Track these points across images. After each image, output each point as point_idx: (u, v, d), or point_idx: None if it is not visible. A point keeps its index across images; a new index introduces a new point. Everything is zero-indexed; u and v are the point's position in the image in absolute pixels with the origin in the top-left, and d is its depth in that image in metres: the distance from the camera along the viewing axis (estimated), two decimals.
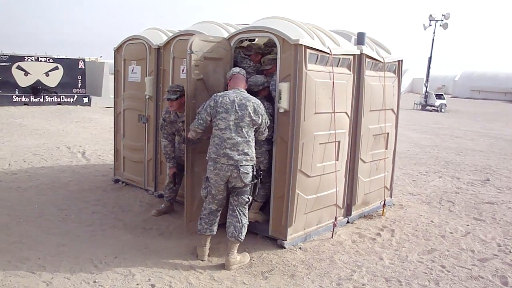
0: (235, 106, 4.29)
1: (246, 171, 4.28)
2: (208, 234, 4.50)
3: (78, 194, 6.51)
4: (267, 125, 4.54)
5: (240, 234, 4.36)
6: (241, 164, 4.25)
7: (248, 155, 4.29)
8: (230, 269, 4.33)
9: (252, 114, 4.29)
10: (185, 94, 4.72)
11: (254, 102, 4.35)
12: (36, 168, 7.95)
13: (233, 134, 4.25)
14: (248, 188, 4.36)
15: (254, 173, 4.36)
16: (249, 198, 4.41)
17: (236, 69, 4.66)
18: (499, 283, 4.33)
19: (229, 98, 4.33)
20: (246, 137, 4.29)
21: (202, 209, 4.56)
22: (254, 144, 4.39)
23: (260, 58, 5.65)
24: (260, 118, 4.36)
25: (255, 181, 4.38)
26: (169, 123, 5.46)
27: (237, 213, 4.40)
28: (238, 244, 4.43)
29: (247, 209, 4.48)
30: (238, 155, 4.24)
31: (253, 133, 4.39)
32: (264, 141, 4.89)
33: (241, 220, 4.38)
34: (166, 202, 5.81)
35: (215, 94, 4.43)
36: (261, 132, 4.50)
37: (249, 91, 4.69)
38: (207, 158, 4.40)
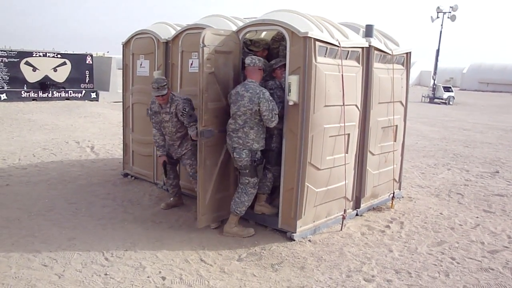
0: (237, 97, 4.73)
1: (238, 156, 4.81)
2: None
3: (87, 188, 6.56)
4: (274, 112, 4.64)
5: (237, 208, 4.90)
6: (234, 148, 4.83)
7: (240, 140, 4.77)
8: (224, 235, 4.91)
9: (247, 104, 4.66)
10: (198, 88, 4.71)
11: (252, 93, 4.65)
12: (45, 163, 8.01)
13: (232, 121, 4.82)
14: (247, 170, 4.84)
15: (252, 158, 4.81)
16: (248, 180, 4.87)
17: (247, 61, 4.82)
18: (509, 275, 4.32)
19: (235, 90, 4.82)
20: (241, 125, 4.75)
21: None
22: (255, 131, 4.76)
23: (267, 53, 5.65)
24: (255, 106, 4.63)
25: (254, 164, 4.82)
26: (154, 113, 5.49)
27: (239, 190, 4.95)
28: (237, 217, 4.95)
29: (250, 189, 4.91)
30: (232, 140, 4.83)
31: (254, 121, 4.74)
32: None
33: (240, 197, 4.91)
34: (173, 196, 5.84)
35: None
36: (267, 120, 4.68)
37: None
38: None
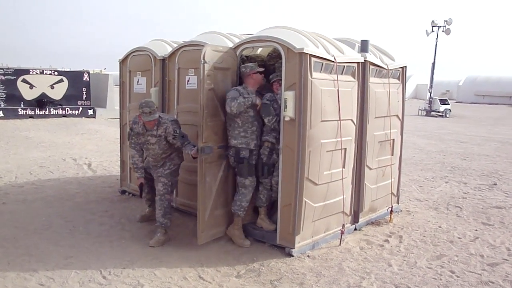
0: None
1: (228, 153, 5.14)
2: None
3: (85, 205, 6.53)
4: (229, 101, 4.82)
5: (233, 206, 5.14)
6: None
7: (228, 138, 5.08)
8: (227, 234, 5.23)
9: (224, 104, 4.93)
10: (200, 104, 4.77)
11: (228, 93, 4.91)
12: (42, 180, 7.99)
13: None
14: (236, 169, 5.11)
15: (236, 156, 5.05)
16: (238, 179, 5.09)
17: (241, 69, 5.14)
18: None
19: None
20: (227, 124, 5.09)
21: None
22: (232, 127, 5.03)
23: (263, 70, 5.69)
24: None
25: (241, 163, 5.02)
26: (136, 134, 5.32)
27: (237, 190, 5.19)
28: (239, 219, 5.15)
29: (241, 188, 5.11)
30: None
31: (234, 121, 5.01)
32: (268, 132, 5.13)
33: (235, 196, 5.18)
34: (148, 208, 5.88)
35: None
36: (226, 106, 4.85)
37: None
38: None
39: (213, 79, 4.83)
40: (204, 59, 4.66)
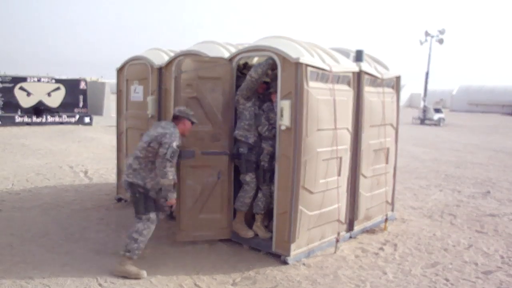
0: None
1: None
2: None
3: (81, 213, 6.54)
4: None
5: (236, 202, 5.36)
6: None
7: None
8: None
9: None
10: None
11: None
12: (39, 188, 7.99)
13: None
14: (238, 165, 5.31)
15: (236, 151, 5.25)
16: (244, 176, 5.29)
17: None
18: None
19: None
20: (237, 117, 5.34)
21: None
22: (243, 123, 5.24)
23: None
24: None
25: (238, 160, 5.25)
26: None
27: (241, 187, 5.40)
28: (241, 213, 5.37)
29: (247, 186, 5.28)
30: None
31: (243, 113, 5.27)
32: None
33: (240, 192, 5.36)
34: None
35: None
36: None
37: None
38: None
39: (196, 88, 5.03)
40: (180, 69, 4.93)
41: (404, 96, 52.70)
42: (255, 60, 6.09)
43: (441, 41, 31.23)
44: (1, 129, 16.29)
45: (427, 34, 31.48)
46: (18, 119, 17.81)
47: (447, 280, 4.64)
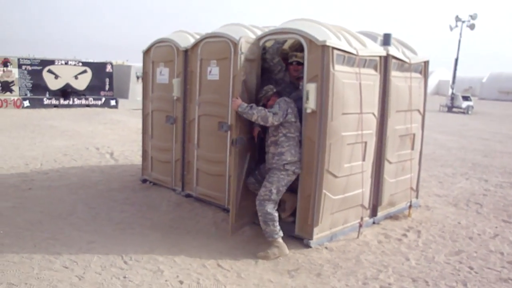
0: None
1: None
2: None
3: (107, 193, 6.68)
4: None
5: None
6: None
7: None
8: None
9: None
10: (235, 96, 4.82)
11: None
12: (66, 168, 8.18)
13: None
14: None
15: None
16: None
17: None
18: None
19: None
20: None
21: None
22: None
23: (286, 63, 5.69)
24: None
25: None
26: None
27: None
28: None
29: None
30: None
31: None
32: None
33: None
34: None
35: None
36: None
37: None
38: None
39: (244, 70, 4.84)
40: (241, 50, 4.69)
41: (432, 83, 51.61)
42: (288, 42, 5.98)
43: (472, 27, 30.31)
44: (30, 111, 16.71)
45: (457, 19, 30.59)
46: (46, 101, 18.22)
47: (471, 268, 4.58)
